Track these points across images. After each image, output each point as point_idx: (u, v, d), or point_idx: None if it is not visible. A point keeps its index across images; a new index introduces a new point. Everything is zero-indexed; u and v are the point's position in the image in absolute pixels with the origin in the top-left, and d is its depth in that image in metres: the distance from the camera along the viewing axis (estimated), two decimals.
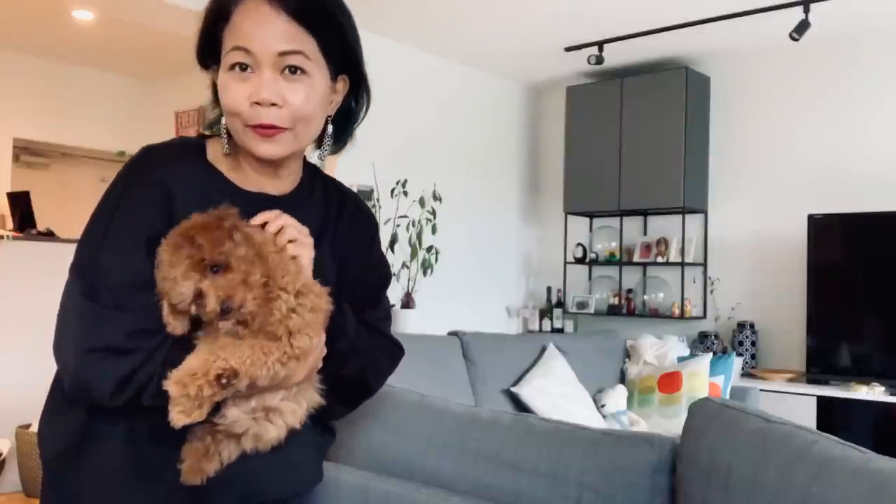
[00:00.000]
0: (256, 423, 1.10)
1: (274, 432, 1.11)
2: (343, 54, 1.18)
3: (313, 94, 1.13)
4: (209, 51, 1.16)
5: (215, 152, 1.19)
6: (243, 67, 1.10)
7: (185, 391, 0.98)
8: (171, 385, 0.99)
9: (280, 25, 1.09)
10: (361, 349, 1.22)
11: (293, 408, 1.12)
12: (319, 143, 1.23)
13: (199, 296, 1.00)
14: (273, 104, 1.10)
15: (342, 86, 1.21)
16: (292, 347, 1.04)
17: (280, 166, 1.19)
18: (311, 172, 1.29)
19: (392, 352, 1.33)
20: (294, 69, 1.11)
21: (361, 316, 1.25)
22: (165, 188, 1.10)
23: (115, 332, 1.03)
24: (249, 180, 1.19)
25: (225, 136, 1.16)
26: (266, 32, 1.09)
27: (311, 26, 1.12)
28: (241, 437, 1.10)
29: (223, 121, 1.15)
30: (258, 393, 1.09)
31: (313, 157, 1.28)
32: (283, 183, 1.22)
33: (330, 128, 1.22)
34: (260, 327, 1.04)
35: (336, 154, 1.29)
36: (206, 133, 1.22)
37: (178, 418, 0.99)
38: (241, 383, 1.01)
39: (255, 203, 1.15)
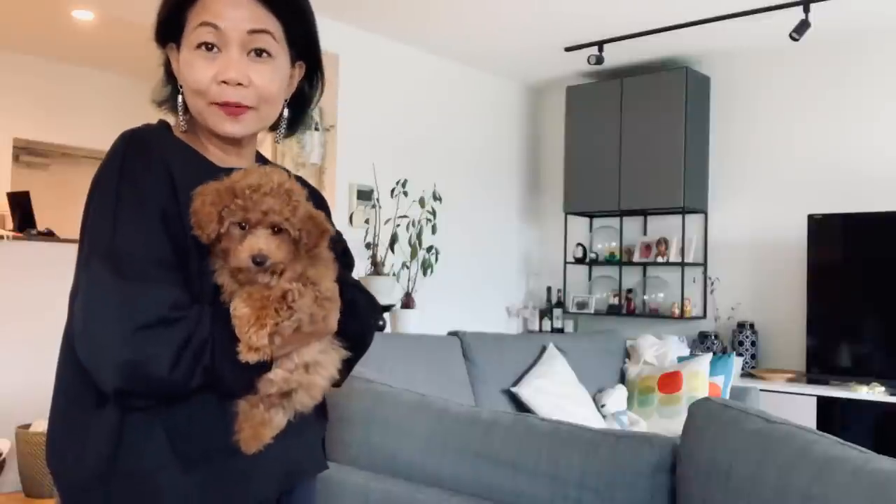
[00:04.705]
0: (304, 378, 1.13)
1: (322, 382, 1.16)
2: (304, 41, 1.23)
3: (277, 75, 1.18)
4: (170, 30, 1.18)
5: (178, 132, 1.21)
6: (210, 47, 1.13)
7: (252, 319, 1.03)
8: (237, 317, 1.03)
9: (249, 6, 1.14)
10: (358, 304, 1.25)
11: (330, 359, 1.17)
12: (274, 126, 1.26)
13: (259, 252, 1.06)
14: (239, 84, 1.13)
15: (298, 71, 1.26)
16: (321, 291, 1.10)
17: (242, 145, 1.23)
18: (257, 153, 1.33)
19: (375, 304, 1.35)
20: (260, 52, 1.15)
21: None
22: (166, 167, 1.10)
23: (160, 304, 1.02)
24: (217, 157, 1.21)
25: (182, 113, 1.19)
26: (235, 11, 1.13)
27: (278, 10, 1.17)
28: (291, 396, 1.13)
29: (180, 98, 1.19)
30: (299, 346, 1.12)
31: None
32: (245, 160, 1.25)
33: (286, 111, 1.25)
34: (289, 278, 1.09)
35: (289, 137, 1.32)
36: (166, 111, 1.24)
37: (247, 354, 1.03)
38: (300, 309, 1.06)
39: None
